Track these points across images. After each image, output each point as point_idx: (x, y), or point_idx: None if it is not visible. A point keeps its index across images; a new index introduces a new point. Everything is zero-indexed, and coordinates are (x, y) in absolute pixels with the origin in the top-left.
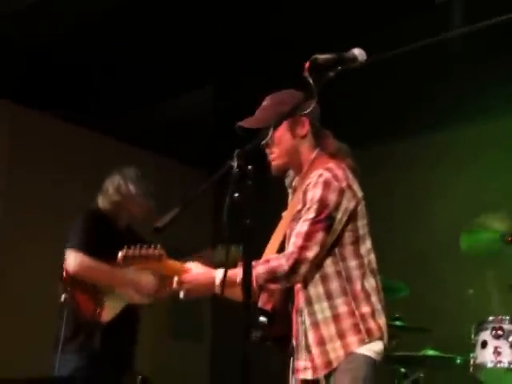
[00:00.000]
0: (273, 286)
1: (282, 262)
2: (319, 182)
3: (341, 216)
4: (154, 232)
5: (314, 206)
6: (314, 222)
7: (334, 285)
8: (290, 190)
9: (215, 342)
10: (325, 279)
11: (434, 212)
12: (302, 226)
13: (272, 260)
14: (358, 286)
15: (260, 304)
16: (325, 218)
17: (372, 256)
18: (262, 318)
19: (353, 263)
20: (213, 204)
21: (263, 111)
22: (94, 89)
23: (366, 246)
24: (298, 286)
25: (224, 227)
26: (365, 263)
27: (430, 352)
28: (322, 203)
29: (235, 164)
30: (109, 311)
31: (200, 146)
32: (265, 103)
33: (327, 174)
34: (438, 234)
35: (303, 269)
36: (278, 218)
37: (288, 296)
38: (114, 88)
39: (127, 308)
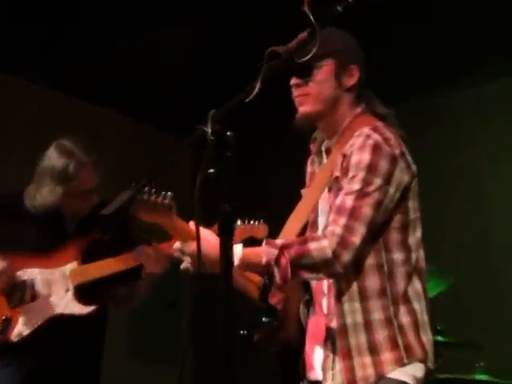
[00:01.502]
0: (307, 275)
1: (323, 244)
2: (367, 145)
3: (393, 191)
4: (98, 221)
5: (361, 175)
6: (361, 196)
7: (372, 281)
8: (315, 159)
9: (197, 367)
10: (361, 272)
11: (494, 191)
12: (345, 200)
13: (309, 240)
14: (400, 288)
15: (270, 300)
16: (374, 190)
17: (421, 252)
18: (265, 319)
19: (398, 256)
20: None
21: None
22: (35, 24)
23: (416, 235)
24: (327, 281)
25: (196, 213)
26: (412, 259)
27: (482, 376)
28: (371, 171)
29: (209, 129)
30: (21, 327)
31: (173, 102)
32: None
33: (376, 136)
34: (499, 220)
35: (346, 256)
36: (289, 196)
37: (305, 293)
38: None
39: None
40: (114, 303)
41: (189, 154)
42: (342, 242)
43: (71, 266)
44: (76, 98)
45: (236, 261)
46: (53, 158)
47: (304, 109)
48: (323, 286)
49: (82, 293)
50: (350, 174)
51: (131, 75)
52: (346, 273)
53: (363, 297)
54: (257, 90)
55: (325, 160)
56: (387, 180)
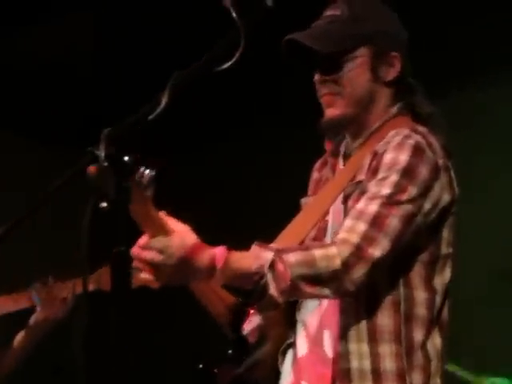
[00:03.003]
0: (309, 290)
1: (331, 252)
2: (406, 144)
3: (429, 208)
4: None
5: (394, 178)
6: (389, 203)
7: (386, 321)
8: (328, 161)
9: None
10: (373, 307)
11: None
12: (369, 205)
13: (313, 246)
14: (417, 336)
15: (247, 327)
16: (407, 200)
17: (447, 302)
18: (232, 352)
19: (420, 296)
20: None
21: (335, 24)
22: None
23: (444, 277)
24: (328, 307)
25: (81, 257)
26: (436, 304)
27: None
28: (407, 176)
29: (102, 153)
30: None
31: (69, 109)
32: (337, 12)
33: (418, 137)
34: (469, 273)
35: (360, 270)
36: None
37: (288, 332)
38: None
39: None
40: None
41: None
42: (357, 252)
43: None
44: None
45: (219, 264)
46: None
47: (333, 112)
48: (329, 319)
49: None
50: (380, 175)
51: (10, 79)
52: (356, 299)
53: (373, 338)
54: (163, 104)
55: (341, 165)
56: (424, 192)
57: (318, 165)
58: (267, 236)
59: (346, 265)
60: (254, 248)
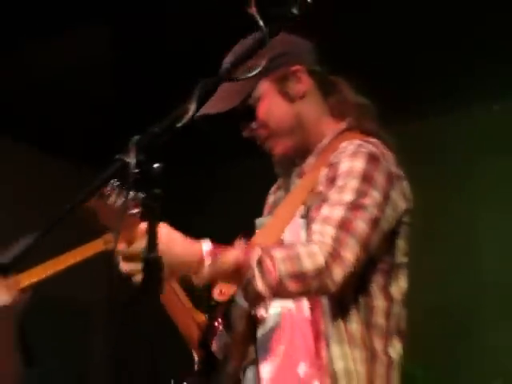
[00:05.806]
0: (295, 287)
1: (314, 250)
2: (361, 152)
3: (390, 213)
4: None
5: (353, 183)
6: (354, 207)
7: (354, 327)
8: (282, 183)
9: None
10: (344, 312)
11: (483, 239)
12: (334, 211)
13: (295, 245)
14: (378, 345)
15: (214, 344)
16: (370, 204)
17: (404, 310)
18: (200, 368)
19: (379, 304)
20: None
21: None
22: None
23: (400, 285)
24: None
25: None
26: (393, 313)
27: None
28: (367, 181)
29: (133, 160)
30: None
31: (89, 126)
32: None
33: (371, 147)
34: (488, 276)
35: (339, 273)
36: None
37: (248, 347)
38: None
39: None
40: None
41: None
42: (334, 254)
43: None
44: None
45: (207, 260)
46: None
47: (278, 151)
48: (286, 335)
49: None
50: (339, 183)
51: (26, 92)
52: (330, 306)
53: (350, 340)
54: (191, 112)
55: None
56: (385, 197)
57: (273, 189)
58: None
59: (328, 263)
60: (240, 244)
